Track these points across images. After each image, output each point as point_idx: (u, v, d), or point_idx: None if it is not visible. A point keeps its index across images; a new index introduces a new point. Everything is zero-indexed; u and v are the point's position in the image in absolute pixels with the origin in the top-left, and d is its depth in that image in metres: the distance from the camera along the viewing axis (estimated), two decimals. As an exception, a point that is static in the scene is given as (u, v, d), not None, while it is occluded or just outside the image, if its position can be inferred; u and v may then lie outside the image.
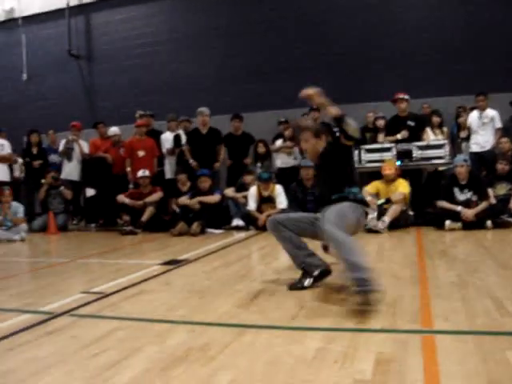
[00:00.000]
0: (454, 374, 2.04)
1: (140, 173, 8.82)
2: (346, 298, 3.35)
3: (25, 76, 13.62)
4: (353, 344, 2.44)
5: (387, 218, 7.04)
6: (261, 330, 2.76)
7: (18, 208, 8.66)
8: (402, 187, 7.38)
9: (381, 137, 8.81)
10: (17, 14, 13.77)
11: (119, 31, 12.79)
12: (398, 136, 8.15)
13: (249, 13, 11.68)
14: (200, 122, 9.20)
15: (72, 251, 7.06)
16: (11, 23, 13.82)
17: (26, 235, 8.31)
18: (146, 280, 4.30)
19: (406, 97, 8.21)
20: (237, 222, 8.20)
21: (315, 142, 4.07)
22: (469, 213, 6.87)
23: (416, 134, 8.13)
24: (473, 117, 8.62)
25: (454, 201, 7.13)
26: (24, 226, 8.56)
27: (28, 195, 10.44)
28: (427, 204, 7.65)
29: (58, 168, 10.20)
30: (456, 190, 7.20)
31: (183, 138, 9.37)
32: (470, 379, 1.99)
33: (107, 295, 3.77)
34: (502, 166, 7.65)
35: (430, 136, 8.58)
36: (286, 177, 8.77)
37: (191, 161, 8.96)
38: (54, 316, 3.22)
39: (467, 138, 8.77)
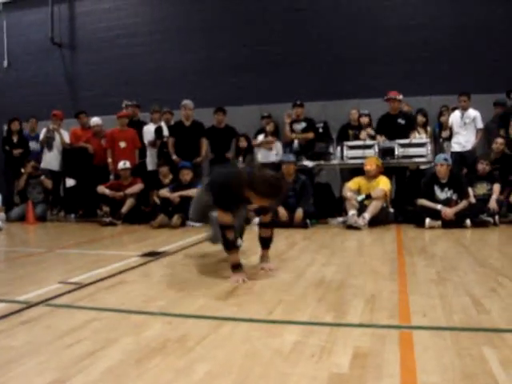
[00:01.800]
0: (430, 369, 2.05)
1: (121, 164, 8.74)
2: (325, 292, 3.36)
3: (5, 63, 13.42)
4: (330, 338, 2.44)
5: (367, 215, 7.07)
6: (239, 322, 2.75)
7: (-4, 196, 8.56)
8: (383, 184, 7.41)
9: (363, 134, 8.85)
10: (-2, 0, 13.56)
11: (103, 20, 12.66)
12: (379, 138, 8.21)
13: (234, 6, 11.64)
14: (183, 115, 9.16)
15: (50, 241, 6.98)
16: (-8, 9, 13.59)
17: (3, 224, 8.21)
18: (124, 271, 4.27)
19: (400, 97, 8.28)
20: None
21: None
22: (448, 211, 6.92)
23: (406, 133, 8.17)
24: (455, 117, 8.70)
25: (434, 199, 7.18)
26: (2, 214, 8.48)
27: (7, 184, 10.30)
28: (408, 202, 7.69)
29: (36, 156, 10.08)
30: (436, 189, 7.26)
31: (165, 130, 9.31)
32: (445, 374, 2.00)
33: (85, 285, 3.73)
34: (482, 166, 7.73)
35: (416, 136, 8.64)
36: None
37: (174, 157, 8.92)
38: (30, 306, 3.17)
39: (449, 138, 8.85)
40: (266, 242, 4.27)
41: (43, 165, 9.96)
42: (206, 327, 2.65)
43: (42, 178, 9.63)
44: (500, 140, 8.21)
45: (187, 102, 9.14)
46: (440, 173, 7.20)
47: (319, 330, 2.57)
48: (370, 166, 7.51)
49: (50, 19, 13.02)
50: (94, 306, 3.18)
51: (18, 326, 2.77)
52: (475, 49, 9.95)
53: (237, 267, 3.87)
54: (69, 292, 3.54)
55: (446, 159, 7.29)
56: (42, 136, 10.04)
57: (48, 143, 9.94)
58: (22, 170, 9.74)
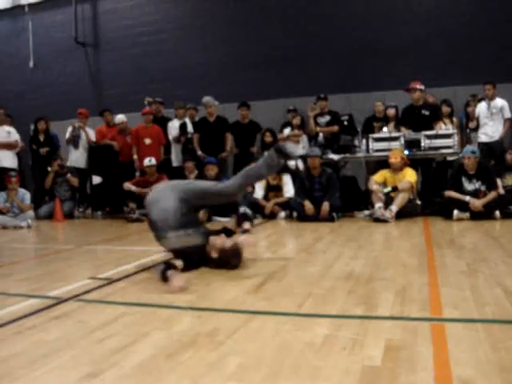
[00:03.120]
0: (464, 362, 2.02)
1: (146, 161, 8.80)
2: (354, 286, 3.34)
3: (31, 63, 13.62)
4: (361, 331, 2.42)
5: (394, 207, 7.00)
6: (268, 316, 2.75)
7: (25, 195, 8.69)
8: (409, 176, 7.33)
9: (390, 126, 8.77)
10: (23, 1, 13.75)
11: (126, 18, 12.76)
12: (404, 130, 8.13)
13: (255, 1, 11.61)
14: (207, 112, 9.20)
15: (78, 238, 7.07)
16: (18, 10, 13.81)
17: (32, 222, 8.33)
18: (153, 266, 4.29)
19: (419, 86, 8.14)
20: (243, 210, 8.17)
21: None
22: (477, 203, 6.81)
23: (430, 124, 8.07)
24: (481, 107, 8.55)
25: (461, 191, 7.07)
26: (31, 212, 8.58)
27: (35, 182, 10.45)
28: (435, 194, 7.60)
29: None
30: (464, 180, 7.15)
31: (189, 126, 9.35)
32: (480, 367, 1.97)
33: (114, 281, 3.77)
34: (510, 157, 7.60)
35: (442, 127, 8.53)
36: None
37: (200, 153, 8.99)
38: (61, 301, 3.21)
39: (476, 129, 8.71)
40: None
41: (70, 163, 10.09)
42: (236, 321, 2.66)
43: (69, 175, 9.76)
44: None
45: (207, 100, 9.16)
46: (467, 165, 7.08)
47: (350, 323, 2.55)
48: (395, 158, 7.43)
49: (74, 19, 13.17)
50: (123, 301, 3.21)
51: (51, 320, 2.81)
52: (501, 37, 9.76)
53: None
54: (98, 287, 3.58)
55: (473, 152, 7.15)
56: (67, 134, 10.16)
57: (74, 141, 10.05)
58: (49, 169, 9.88)
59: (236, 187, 4.37)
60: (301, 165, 8.04)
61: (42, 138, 10.31)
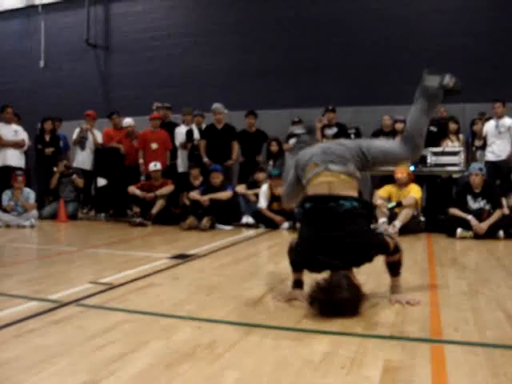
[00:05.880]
0: (463, 386, 2.01)
1: (151, 166, 8.81)
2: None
3: (42, 63, 13.70)
4: (361, 350, 2.41)
5: (398, 223, 6.99)
6: (268, 330, 2.74)
7: (30, 194, 8.71)
8: (414, 192, 7.33)
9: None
10: (37, 1, 13.85)
11: (137, 22, 12.84)
12: None
13: (266, 10, 11.69)
14: (215, 119, 9.21)
15: (81, 240, 7.08)
16: (31, 10, 13.92)
17: (35, 222, 8.35)
18: (154, 273, 4.30)
19: None
20: (247, 219, 8.18)
21: None
22: (481, 226, 6.76)
23: (437, 140, 8.06)
24: (489, 126, 8.54)
25: (466, 209, 7.05)
26: (34, 212, 8.61)
27: (39, 182, 10.47)
28: (439, 211, 7.59)
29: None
30: (469, 198, 7.13)
31: (195, 133, 9.37)
32: (479, 392, 1.96)
33: (115, 286, 3.76)
34: (516, 176, 7.59)
35: (449, 144, 8.52)
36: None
37: (206, 159, 9.00)
38: (62, 305, 3.22)
39: (482, 147, 8.69)
40: (392, 268, 3.47)
41: (75, 164, 10.12)
42: (236, 333, 2.65)
43: (74, 176, 9.78)
44: None
45: (217, 107, 9.18)
46: (474, 182, 7.07)
47: (349, 341, 2.54)
48: (401, 173, 7.43)
49: (86, 21, 13.24)
50: (124, 307, 3.20)
51: (51, 325, 2.81)
52: (511, 55, 9.77)
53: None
54: (99, 292, 3.58)
55: (480, 169, 7.15)
56: (75, 135, 10.20)
57: (81, 143, 10.09)
58: (55, 169, 9.90)
59: (405, 150, 3.60)
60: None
61: (47, 138, 10.34)
